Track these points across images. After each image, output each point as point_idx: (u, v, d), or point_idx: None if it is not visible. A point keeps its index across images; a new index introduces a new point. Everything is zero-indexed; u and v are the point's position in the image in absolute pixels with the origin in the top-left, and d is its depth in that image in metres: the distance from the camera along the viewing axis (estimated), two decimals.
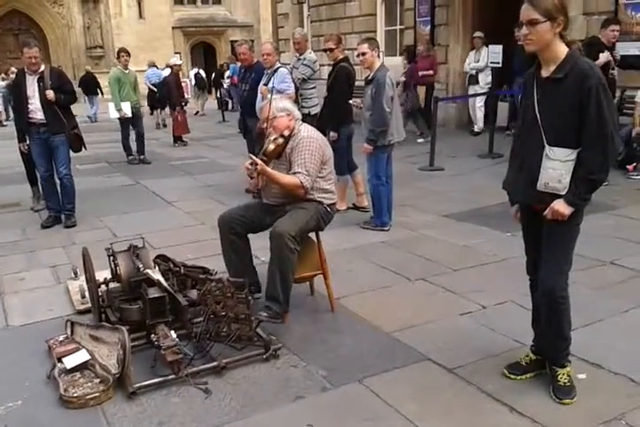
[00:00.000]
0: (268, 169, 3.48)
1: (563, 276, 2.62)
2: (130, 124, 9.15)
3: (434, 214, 5.77)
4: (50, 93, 5.49)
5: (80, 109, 17.48)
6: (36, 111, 5.59)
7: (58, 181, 5.89)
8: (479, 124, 10.27)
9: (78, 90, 17.80)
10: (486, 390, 2.76)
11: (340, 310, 3.68)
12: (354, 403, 2.72)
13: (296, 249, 3.38)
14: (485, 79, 9.81)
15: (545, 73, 2.51)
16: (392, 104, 5.05)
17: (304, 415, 2.63)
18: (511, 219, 2.90)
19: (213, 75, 18.54)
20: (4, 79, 11.93)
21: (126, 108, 8.79)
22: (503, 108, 9.46)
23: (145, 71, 15.40)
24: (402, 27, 12.40)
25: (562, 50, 2.45)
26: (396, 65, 11.49)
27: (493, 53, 8.60)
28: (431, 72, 10.47)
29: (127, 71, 9.07)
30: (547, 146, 2.47)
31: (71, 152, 5.88)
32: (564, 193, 2.47)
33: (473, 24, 10.87)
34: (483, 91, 9.74)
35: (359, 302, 3.79)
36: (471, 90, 10.19)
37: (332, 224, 3.82)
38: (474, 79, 10.05)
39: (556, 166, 2.45)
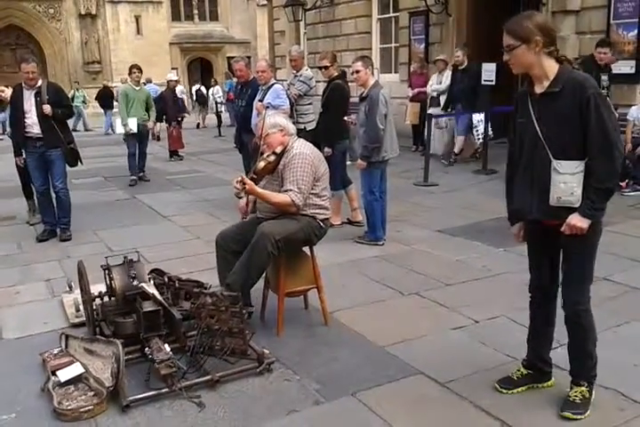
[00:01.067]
0: (257, 189, 3.50)
1: (585, 291, 2.64)
2: (136, 140, 8.94)
3: (428, 229, 5.81)
4: (47, 108, 5.54)
5: (100, 122, 17.73)
6: (33, 125, 5.64)
7: (54, 195, 5.91)
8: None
9: (95, 104, 18.08)
10: (479, 404, 2.78)
11: (334, 324, 3.70)
12: (347, 417, 2.73)
13: (273, 253, 3.41)
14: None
15: (539, 89, 2.54)
16: (385, 121, 5.12)
17: None
18: (513, 239, 2.87)
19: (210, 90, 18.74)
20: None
21: (132, 124, 8.70)
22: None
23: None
24: (397, 44, 12.56)
25: (552, 66, 2.50)
26: (391, 82, 11.66)
27: (487, 71, 8.71)
28: (425, 89, 10.58)
29: (138, 88, 8.91)
30: (553, 160, 2.47)
31: (67, 166, 5.91)
32: (577, 205, 2.46)
33: (467, 42, 11.03)
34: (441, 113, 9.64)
35: (353, 316, 3.81)
36: (431, 111, 9.83)
37: (326, 239, 3.85)
38: (435, 101, 9.99)
39: (567, 180, 2.45)
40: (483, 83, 8.85)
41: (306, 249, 3.72)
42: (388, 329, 3.59)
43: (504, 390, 2.86)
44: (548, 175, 2.49)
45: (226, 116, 17.04)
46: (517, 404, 2.77)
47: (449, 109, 9.42)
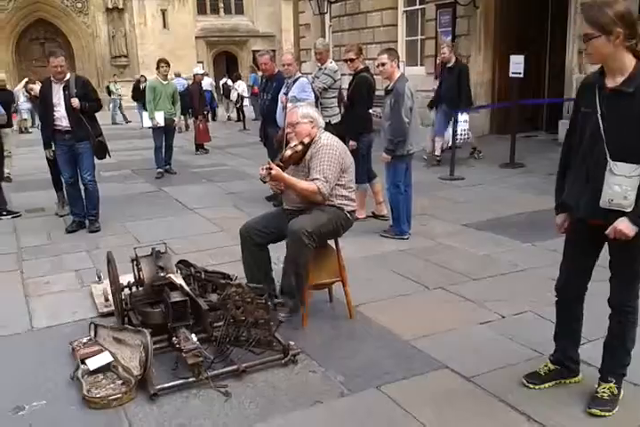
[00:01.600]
0: (284, 174, 3.52)
1: (633, 290, 2.58)
2: (163, 134, 9.02)
3: (453, 223, 5.77)
4: (75, 101, 5.61)
5: (136, 116, 17.95)
6: (62, 119, 5.72)
7: (82, 187, 6.00)
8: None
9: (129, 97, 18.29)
10: (504, 399, 2.76)
11: (359, 318, 3.70)
12: (371, 409, 2.73)
13: (311, 245, 3.43)
14: None
15: (610, 83, 2.40)
16: (411, 115, 5.08)
17: (322, 420, 2.66)
18: (555, 229, 2.77)
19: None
20: (28, 97, 12.26)
21: (159, 118, 8.77)
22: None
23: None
24: (423, 37, 12.45)
25: (629, 61, 2.35)
26: (417, 75, 11.56)
27: (515, 64, 8.59)
28: None
29: (166, 82, 8.96)
30: (610, 161, 2.35)
31: (96, 159, 5.99)
32: (629, 210, 2.35)
33: (495, 34, 10.90)
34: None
35: (377, 309, 3.81)
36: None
37: (351, 232, 3.85)
38: None
39: (621, 182, 2.33)
40: (511, 75, 8.73)
41: (330, 242, 3.73)
42: (413, 323, 3.58)
43: (531, 386, 2.84)
44: (602, 175, 2.38)
45: (250, 110, 17.11)
46: (544, 399, 2.75)
47: (434, 108, 9.03)
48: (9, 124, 8.50)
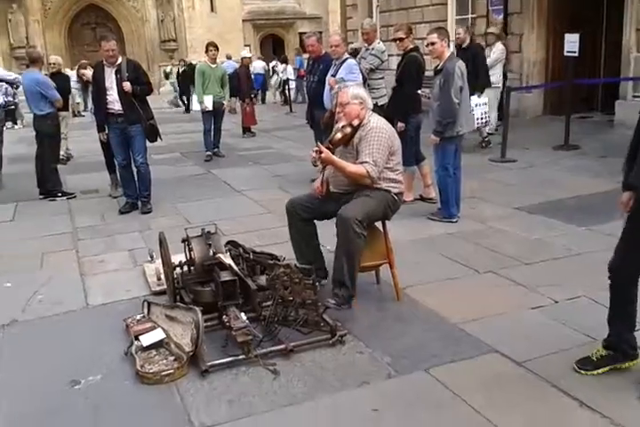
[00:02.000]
0: (334, 157, 3.51)
1: None
2: (212, 117, 9.08)
3: (504, 207, 5.64)
4: (126, 85, 5.68)
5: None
6: (114, 102, 5.80)
7: (135, 170, 6.13)
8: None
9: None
10: (556, 384, 2.70)
11: (406, 300, 3.68)
12: (419, 391, 2.72)
13: (362, 234, 3.41)
14: (495, 75, 9.11)
15: None
16: (461, 95, 4.97)
17: (369, 400, 2.66)
18: (619, 206, 2.69)
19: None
20: (78, 82, 12.61)
21: (208, 102, 8.83)
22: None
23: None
24: (474, 15, 12.12)
25: None
26: None
27: (570, 42, 8.27)
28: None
29: (215, 65, 9.00)
30: None
31: (147, 142, 6.10)
32: None
33: (548, 12, 10.51)
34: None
35: (425, 292, 3.78)
36: None
37: (398, 215, 3.82)
38: None
39: None
40: (565, 54, 8.41)
41: (378, 224, 3.70)
42: (462, 307, 3.53)
43: (583, 371, 2.77)
44: None
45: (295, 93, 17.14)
46: (597, 385, 2.69)
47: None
48: (65, 108, 8.75)
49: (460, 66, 5.00)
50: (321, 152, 3.46)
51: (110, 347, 3.24)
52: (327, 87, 6.20)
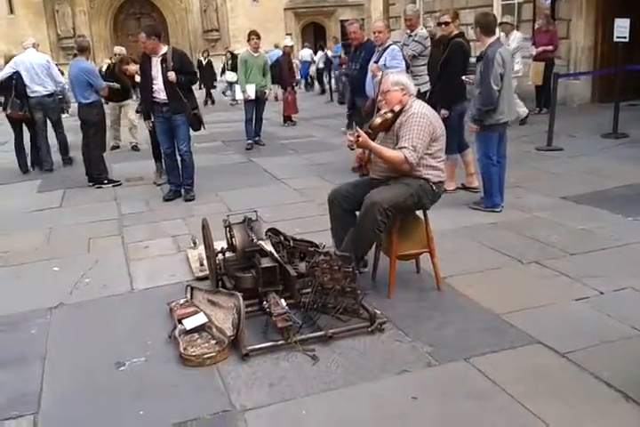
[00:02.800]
0: (370, 142, 3.49)
1: None
2: (254, 106, 9.10)
3: (550, 196, 5.51)
4: (171, 75, 5.71)
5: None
6: (159, 91, 5.86)
7: (179, 158, 6.22)
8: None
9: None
10: (599, 376, 2.65)
11: (447, 290, 3.65)
12: (459, 380, 2.71)
13: (383, 222, 3.40)
14: (516, 64, 8.80)
15: None
16: (502, 82, 4.86)
17: (409, 388, 2.66)
18: None
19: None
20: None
21: (250, 91, 8.83)
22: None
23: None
24: (520, 0, 11.81)
25: None
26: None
27: (620, 27, 7.99)
28: (551, 47, 9.93)
29: (257, 54, 8.99)
30: None
31: (191, 131, 6.17)
32: None
33: None
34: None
35: (467, 282, 3.73)
36: None
37: (440, 204, 3.78)
38: None
39: None
40: (615, 40, 8.12)
41: (419, 213, 3.67)
42: (504, 297, 3.48)
43: None
44: None
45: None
46: None
47: None
48: (127, 96, 8.94)
49: (502, 52, 4.88)
50: (359, 136, 3.44)
51: (154, 330, 3.32)
52: (369, 74, 6.15)
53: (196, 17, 27.12)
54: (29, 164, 8.22)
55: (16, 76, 7.73)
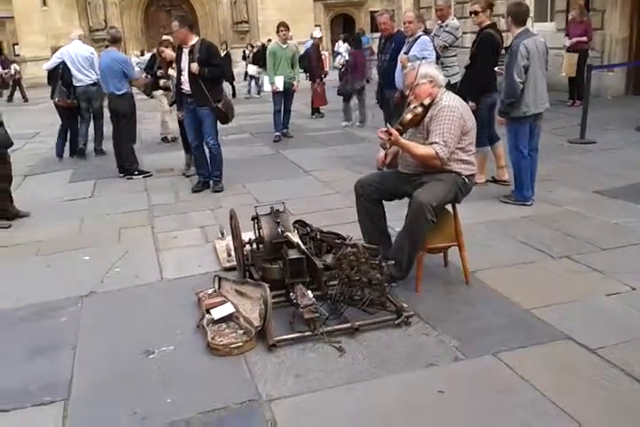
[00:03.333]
0: (402, 139, 3.45)
1: None
2: (282, 98, 9.07)
3: (583, 190, 5.41)
4: (194, 66, 5.65)
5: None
6: (185, 83, 5.86)
7: (208, 150, 6.24)
8: None
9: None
10: (631, 372, 2.60)
11: (475, 284, 3.61)
12: (487, 375, 2.68)
13: (433, 221, 3.36)
14: None
15: None
16: (526, 75, 4.78)
17: (436, 382, 2.64)
18: None
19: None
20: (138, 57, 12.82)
21: (279, 83, 8.80)
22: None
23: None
24: None
25: None
26: (546, 31, 10.82)
27: None
28: (585, 38, 9.74)
29: (285, 46, 8.92)
30: None
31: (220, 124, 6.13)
32: None
33: None
34: None
35: (496, 276, 3.69)
36: None
37: (470, 197, 3.73)
38: None
39: None
40: None
41: (448, 206, 3.62)
42: (534, 292, 3.43)
43: None
44: None
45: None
46: None
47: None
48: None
49: (527, 44, 4.78)
50: (390, 134, 3.41)
51: (183, 319, 3.36)
52: (399, 66, 6.09)
53: (226, 9, 27.15)
54: (67, 151, 8.48)
55: (62, 66, 8.06)
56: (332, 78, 13.78)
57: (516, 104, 4.85)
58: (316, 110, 11.63)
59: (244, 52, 18.85)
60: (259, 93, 15.94)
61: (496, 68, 5.40)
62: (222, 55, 16.08)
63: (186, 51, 5.86)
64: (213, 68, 5.82)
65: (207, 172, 6.29)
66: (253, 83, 16.19)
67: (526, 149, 5.01)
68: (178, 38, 5.84)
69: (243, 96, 15.93)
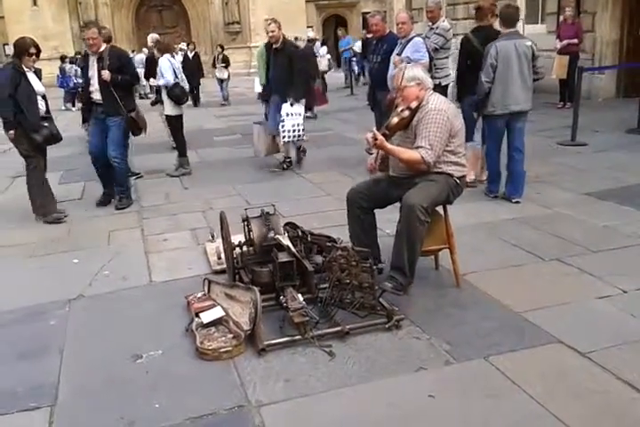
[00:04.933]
0: (388, 144, 3.41)
1: None
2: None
3: (572, 192, 5.42)
4: (105, 74, 5.39)
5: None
6: (95, 92, 5.56)
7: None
8: None
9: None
10: (622, 377, 2.59)
11: (466, 287, 3.60)
12: (477, 379, 2.67)
13: (426, 221, 3.33)
14: None
15: None
16: (494, 74, 4.99)
17: (426, 386, 2.63)
18: None
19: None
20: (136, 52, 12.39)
21: None
22: None
23: None
24: None
25: None
26: (537, 33, 10.85)
27: None
28: (575, 41, 9.79)
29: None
30: None
31: (138, 134, 5.87)
32: None
33: None
34: None
35: (487, 279, 3.68)
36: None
37: (460, 199, 3.72)
38: None
39: None
40: None
41: (439, 208, 3.61)
42: (525, 295, 3.43)
43: None
44: None
45: (340, 76, 16.97)
46: None
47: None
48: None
49: (500, 46, 4.99)
50: (376, 139, 3.38)
51: (172, 323, 3.33)
52: (391, 67, 6.07)
53: (218, 9, 27.05)
54: None
55: None
56: None
57: (485, 102, 5.10)
58: (308, 109, 11.53)
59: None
60: (226, 99, 14.96)
61: None
62: (191, 57, 14.82)
63: (93, 58, 5.57)
64: (126, 75, 5.60)
65: (110, 184, 5.92)
66: (224, 85, 15.26)
67: (496, 143, 5.26)
68: (96, 45, 5.49)
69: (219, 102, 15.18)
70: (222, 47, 16.04)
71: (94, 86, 5.57)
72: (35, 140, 5.22)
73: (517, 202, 5.13)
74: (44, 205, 5.49)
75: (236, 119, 11.15)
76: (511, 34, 5.09)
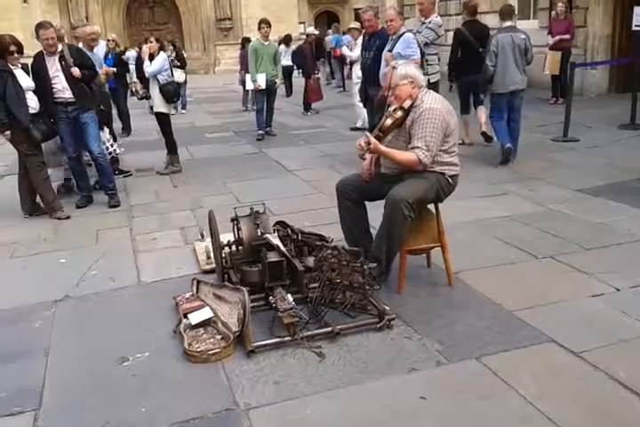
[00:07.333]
0: (382, 147, 3.38)
1: None
2: (264, 96, 8.93)
3: (565, 188, 5.39)
4: (75, 71, 5.35)
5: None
6: (64, 91, 5.40)
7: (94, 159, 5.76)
8: None
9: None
10: (615, 376, 2.56)
11: (459, 285, 3.56)
12: (469, 379, 2.63)
13: (410, 216, 3.30)
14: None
15: None
16: (496, 59, 6.07)
17: (417, 387, 2.59)
18: None
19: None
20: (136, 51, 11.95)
21: (261, 80, 8.64)
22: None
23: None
24: None
25: None
26: (528, 29, 10.80)
27: (639, 16, 7.81)
28: (568, 36, 9.75)
29: (267, 43, 8.75)
30: None
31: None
32: None
33: None
34: None
35: (479, 277, 3.65)
36: None
37: (452, 197, 3.67)
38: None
39: None
40: (634, 28, 7.91)
41: (430, 206, 3.57)
42: (517, 293, 3.39)
43: None
44: None
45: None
46: None
47: None
48: None
49: (499, 37, 6.09)
50: (369, 143, 3.34)
51: (159, 324, 3.27)
52: (383, 63, 6.03)
53: (209, 5, 26.86)
54: None
55: None
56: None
57: (486, 82, 6.30)
58: (308, 107, 11.49)
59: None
60: (184, 107, 12.74)
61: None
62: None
63: (52, 58, 5.36)
64: (88, 70, 5.56)
65: (88, 185, 5.92)
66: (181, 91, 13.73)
67: (502, 116, 6.32)
68: (55, 46, 5.33)
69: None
70: (174, 44, 12.65)
71: (61, 85, 5.40)
72: (34, 137, 5.22)
73: (509, 147, 6.15)
74: (52, 201, 5.48)
75: (228, 116, 11.07)
76: (509, 28, 6.17)
